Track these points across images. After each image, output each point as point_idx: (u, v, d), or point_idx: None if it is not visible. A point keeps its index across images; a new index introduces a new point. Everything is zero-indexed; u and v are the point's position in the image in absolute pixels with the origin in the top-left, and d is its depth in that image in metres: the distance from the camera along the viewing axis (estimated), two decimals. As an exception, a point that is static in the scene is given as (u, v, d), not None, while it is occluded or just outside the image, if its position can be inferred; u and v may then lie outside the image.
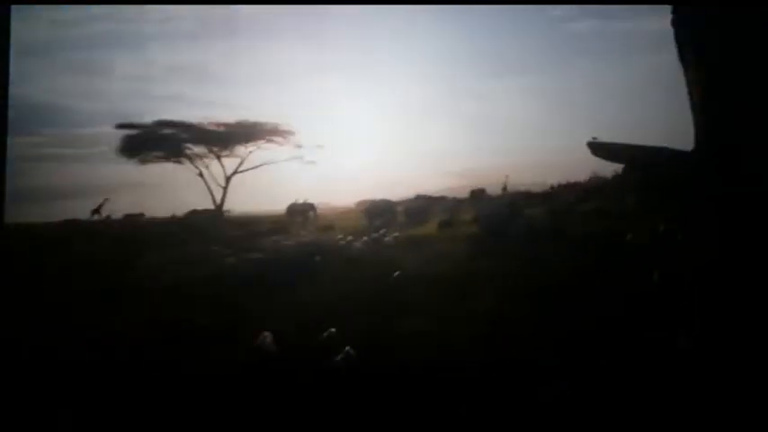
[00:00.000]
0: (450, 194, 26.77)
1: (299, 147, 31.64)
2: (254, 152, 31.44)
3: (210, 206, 29.28)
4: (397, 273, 7.90)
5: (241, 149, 31.30)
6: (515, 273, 7.26)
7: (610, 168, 19.76)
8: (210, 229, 19.28)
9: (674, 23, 15.39)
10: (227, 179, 31.05)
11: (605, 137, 19.37)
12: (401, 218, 18.33)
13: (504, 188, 18.79)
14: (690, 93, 15.36)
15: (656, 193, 12.55)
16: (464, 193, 23.20)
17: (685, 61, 15.38)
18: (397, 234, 12.47)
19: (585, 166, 19.58)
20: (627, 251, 7.86)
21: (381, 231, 12.87)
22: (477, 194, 20.64)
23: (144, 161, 30.38)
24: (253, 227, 19.25)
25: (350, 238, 12.56)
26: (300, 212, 23.26)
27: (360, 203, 29.12)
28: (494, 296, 6.44)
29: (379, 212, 18.54)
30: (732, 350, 5.14)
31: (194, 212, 24.51)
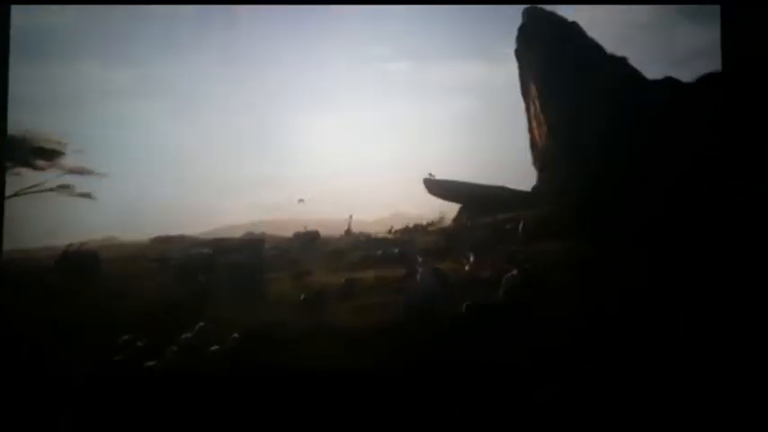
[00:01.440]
0: (258, 229, 23.48)
1: (81, 173, 23.86)
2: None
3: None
4: None
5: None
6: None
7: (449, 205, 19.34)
8: None
9: (517, 55, 15.23)
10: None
11: (439, 174, 18.83)
12: (225, 271, 13.93)
13: (348, 230, 16.85)
14: (530, 129, 15.62)
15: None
16: (275, 229, 20.44)
17: (527, 97, 15.38)
18: (235, 336, 8.21)
19: (420, 203, 18.74)
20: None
21: (200, 325, 8.53)
22: (305, 237, 17.90)
23: None
24: None
25: (139, 344, 8.13)
26: (76, 267, 16.80)
27: (156, 241, 23.11)
28: None
29: (192, 270, 13.64)
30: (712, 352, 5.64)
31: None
